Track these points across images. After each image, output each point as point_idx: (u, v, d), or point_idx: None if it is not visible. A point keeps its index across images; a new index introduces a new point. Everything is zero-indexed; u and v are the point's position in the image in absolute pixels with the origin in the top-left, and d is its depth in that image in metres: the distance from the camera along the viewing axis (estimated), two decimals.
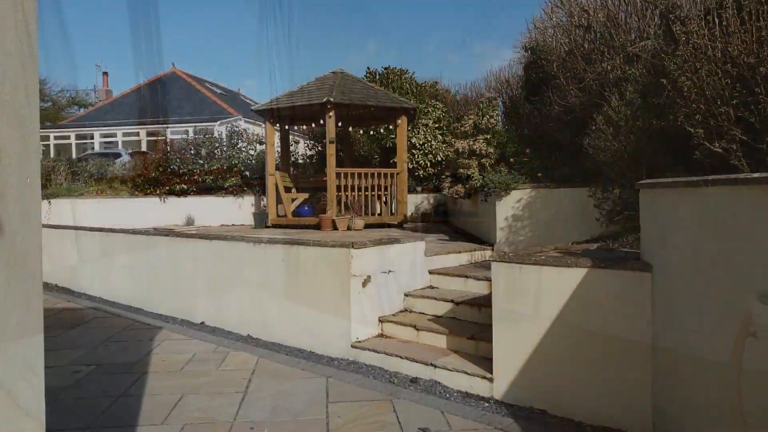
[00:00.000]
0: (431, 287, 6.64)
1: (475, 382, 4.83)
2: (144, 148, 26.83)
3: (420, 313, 6.21)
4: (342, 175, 12.25)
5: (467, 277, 6.34)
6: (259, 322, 6.87)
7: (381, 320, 6.07)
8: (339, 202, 12.32)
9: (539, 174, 8.10)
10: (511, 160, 9.17)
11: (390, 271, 6.22)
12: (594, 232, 6.29)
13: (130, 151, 23.05)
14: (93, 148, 29.46)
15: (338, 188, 12.27)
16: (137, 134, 29.75)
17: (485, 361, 4.97)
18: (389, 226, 12.68)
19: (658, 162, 5.48)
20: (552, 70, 9.73)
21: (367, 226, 12.24)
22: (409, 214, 15.81)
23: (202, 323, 7.74)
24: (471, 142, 9.35)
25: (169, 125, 28.57)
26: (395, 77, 17.11)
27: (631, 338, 3.87)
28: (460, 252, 7.15)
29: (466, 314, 5.78)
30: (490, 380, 4.73)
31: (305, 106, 12.22)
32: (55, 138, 30.85)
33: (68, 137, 30.91)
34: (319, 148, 17.15)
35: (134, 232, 9.13)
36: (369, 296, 5.96)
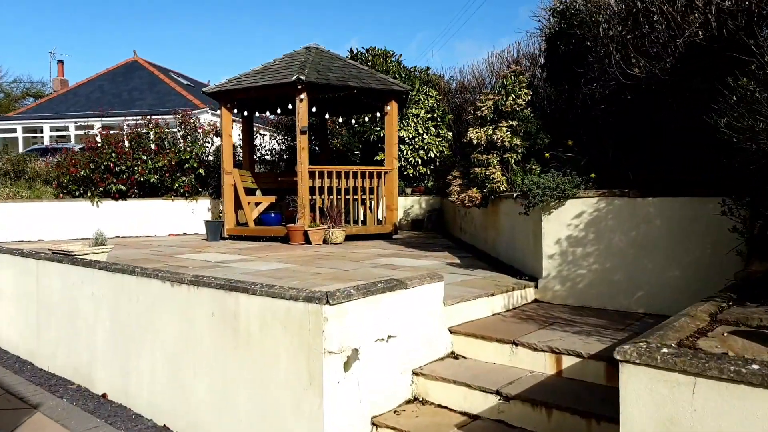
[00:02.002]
0: (455, 356, 4.17)
1: None
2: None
3: (439, 406, 3.74)
4: (317, 174, 9.72)
5: (515, 343, 3.88)
6: (180, 407, 4.33)
7: (375, 423, 3.57)
8: (313, 208, 9.80)
9: (592, 175, 5.68)
10: (546, 155, 6.73)
11: (390, 336, 3.73)
12: (721, 270, 3.89)
13: (83, 146, 20.22)
14: (42, 142, 26.47)
15: (312, 190, 9.75)
16: (92, 127, 26.75)
17: None
18: (376, 237, 10.19)
19: None
20: (596, 36, 7.36)
21: (349, 237, 9.74)
22: (398, 219, 13.34)
23: (104, 395, 5.16)
24: (490, 131, 6.90)
25: (127, 117, 25.68)
26: (379, 60, 14.60)
27: None
28: (491, 294, 4.68)
29: (525, 419, 3.32)
30: None
31: (270, 87, 9.66)
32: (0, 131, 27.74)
33: (14, 130, 27.80)
34: (290, 141, 14.56)
35: (23, 253, 6.50)
36: (355, 385, 3.46)
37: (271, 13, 74.21)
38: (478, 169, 6.89)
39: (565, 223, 5.01)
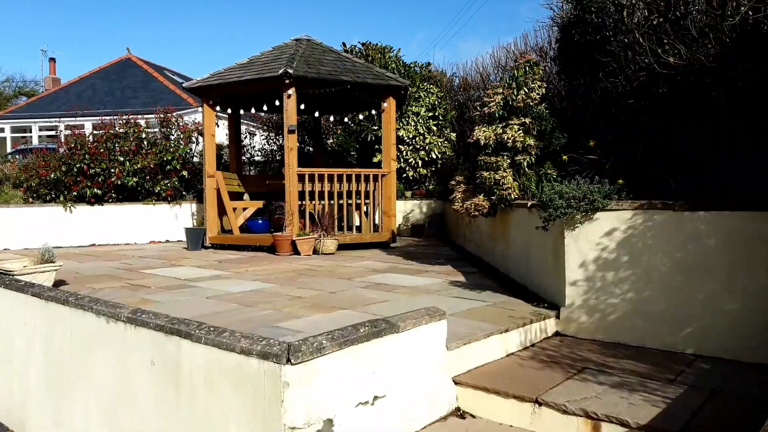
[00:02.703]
0: (461, 414, 3.28)
1: None
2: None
3: None
4: (307, 177, 8.85)
5: (538, 402, 3.00)
6: None
7: None
8: (303, 215, 8.93)
9: (620, 181, 4.79)
10: (564, 157, 5.85)
11: (376, 397, 2.85)
12: None
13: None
14: (31, 142, 25.64)
15: (302, 195, 8.87)
16: (82, 127, 25.91)
17: None
18: (372, 246, 9.32)
19: None
20: (618, 23, 6.52)
21: (342, 247, 8.87)
22: (397, 225, 12.46)
23: None
24: (499, 130, 6.01)
25: (117, 116, 24.86)
26: (377, 55, 13.73)
27: None
28: (505, 329, 3.79)
29: None
30: None
31: (255, 81, 8.78)
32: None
33: (2, 130, 26.98)
34: (282, 141, 13.68)
35: None
36: None
37: (269, 10, 73.31)
38: (485, 174, 6.01)
39: (593, 241, 4.12)
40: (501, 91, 6.20)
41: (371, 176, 9.37)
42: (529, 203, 5.28)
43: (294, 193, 8.71)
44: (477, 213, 6.15)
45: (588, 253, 4.14)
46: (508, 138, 5.80)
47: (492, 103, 6.09)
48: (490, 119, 6.25)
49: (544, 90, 6.13)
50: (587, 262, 4.14)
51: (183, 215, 11.34)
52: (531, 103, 5.97)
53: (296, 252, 8.43)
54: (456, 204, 6.52)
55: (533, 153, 6.00)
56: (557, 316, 4.30)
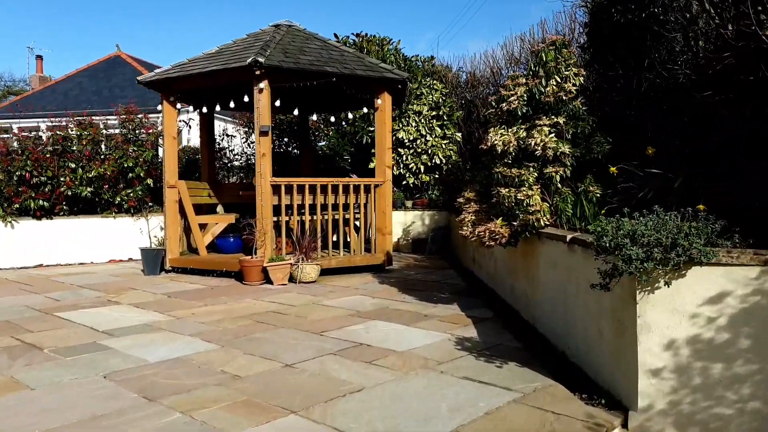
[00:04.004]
0: None
1: None
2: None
3: None
4: (284, 188, 7.33)
5: None
6: None
7: None
8: (280, 232, 7.43)
9: (700, 207, 3.24)
10: (612, 170, 4.30)
11: None
12: None
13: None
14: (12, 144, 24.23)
15: (278, 209, 7.35)
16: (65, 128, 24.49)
17: None
18: (364, 269, 7.79)
19: None
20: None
21: (328, 272, 7.37)
22: (395, 239, 10.92)
23: None
24: (522, 133, 4.47)
25: (108, 117, 23.44)
26: (374, 47, 12.21)
27: None
28: None
29: None
30: None
31: (220, 72, 7.26)
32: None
33: None
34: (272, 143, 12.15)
35: None
36: None
37: (268, 8, 71.77)
38: (503, 191, 4.47)
39: (687, 311, 2.58)
40: (524, 81, 4.66)
41: (362, 187, 7.84)
42: (568, 236, 3.73)
43: (267, 208, 7.18)
44: (493, 243, 4.61)
45: (678, 328, 2.59)
46: (535, 144, 4.25)
47: (512, 98, 4.54)
48: (509, 118, 4.71)
49: (581, 79, 4.58)
50: (677, 344, 2.60)
51: (149, 229, 9.82)
52: (565, 97, 4.43)
53: (268, 281, 6.91)
54: (465, 228, 4.98)
55: (569, 163, 4.45)
56: (624, 424, 2.75)
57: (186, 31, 67.65)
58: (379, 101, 7.83)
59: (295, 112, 7.91)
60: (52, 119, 10.09)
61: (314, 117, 8.58)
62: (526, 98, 4.57)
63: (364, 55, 8.42)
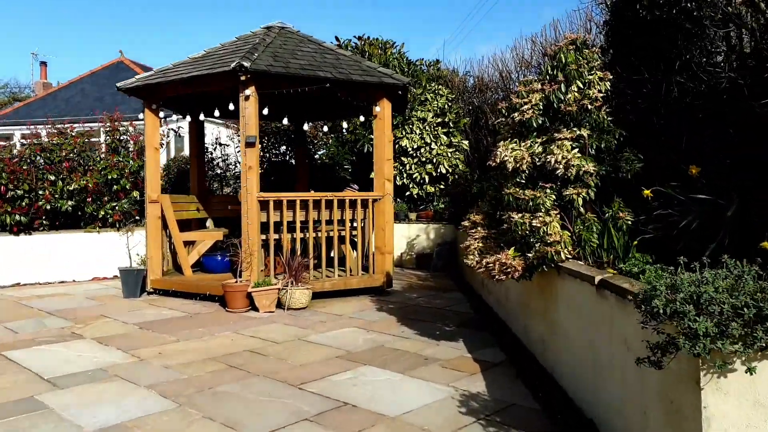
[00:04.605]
0: None
1: None
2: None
3: None
4: (273, 204, 6.68)
5: None
6: None
7: None
8: (270, 250, 6.78)
9: (765, 244, 2.55)
10: (647, 193, 3.60)
11: None
12: None
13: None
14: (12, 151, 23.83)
15: (266, 227, 6.70)
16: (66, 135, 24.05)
17: None
18: (361, 292, 7.12)
19: None
20: None
21: (321, 295, 6.71)
22: (398, 254, 10.25)
23: None
24: (538, 148, 3.79)
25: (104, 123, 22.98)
26: (376, 51, 11.56)
27: None
28: None
29: None
30: None
31: (202, 78, 6.63)
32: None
33: None
34: (268, 152, 11.53)
35: None
36: None
37: (273, 12, 71.33)
38: (516, 216, 3.78)
39: None
40: (539, 87, 3.97)
41: (359, 202, 7.17)
42: (597, 277, 3.04)
43: (253, 226, 6.53)
44: (503, 277, 3.92)
45: (763, 428, 1.89)
46: (556, 161, 3.56)
47: (526, 106, 3.86)
48: (522, 130, 4.02)
49: (608, 84, 3.89)
50: None
51: (136, 244, 9.19)
52: (590, 106, 3.73)
53: (251, 308, 6.25)
54: (470, 257, 4.29)
55: (592, 184, 3.76)
56: None
57: (193, 35, 67.42)
58: (377, 108, 7.16)
59: (285, 120, 7.28)
60: (30, 127, 9.46)
61: (306, 127, 7.92)
62: (542, 107, 3.88)
63: (361, 59, 7.76)
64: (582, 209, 3.79)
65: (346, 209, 7.12)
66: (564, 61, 3.87)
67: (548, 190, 3.74)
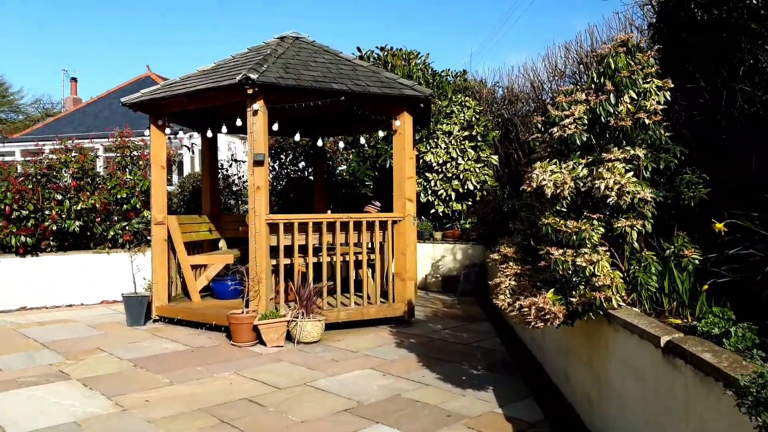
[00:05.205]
0: None
1: None
2: (101, 166, 21.12)
3: None
4: (283, 226, 6.14)
5: None
6: None
7: None
8: (279, 277, 6.24)
9: None
10: (719, 226, 2.93)
11: None
12: None
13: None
14: None
15: (275, 251, 6.17)
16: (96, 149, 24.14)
17: None
18: (380, 322, 6.53)
19: None
20: None
21: (334, 326, 6.15)
22: (422, 276, 9.64)
23: None
24: (582, 171, 3.16)
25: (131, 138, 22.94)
26: (399, 62, 11.03)
27: None
28: None
29: None
30: None
31: (208, 92, 6.16)
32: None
33: (13, 153, 25.45)
34: (286, 169, 11.05)
35: None
36: None
37: (297, 25, 71.64)
38: (556, 252, 3.15)
39: None
40: (583, 97, 3.34)
41: (377, 224, 6.59)
42: (663, 338, 2.39)
43: (262, 251, 5.99)
44: (541, 324, 3.28)
45: None
46: (607, 187, 2.93)
47: (568, 120, 3.23)
48: (562, 148, 3.39)
49: (668, 94, 3.23)
50: None
51: (147, 266, 8.77)
52: (647, 120, 3.09)
53: (258, 342, 5.71)
54: (501, 297, 3.66)
55: (649, 214, 3.10)
56: None
57: (221, 50, 68.12)
58: (397, 122, 6.59)
59: (297, 136, 6.75)
60: (38, 143, 9.14)
61: (320, 142, 7.36)
62: (586, 121, 3.25)
63: (380, 70, 7.21)
64: (636, 245, 3.13)
65: (363, 232, 6.55)
66: (613, 66, 3.23)
67: (595, 222, 3.10)
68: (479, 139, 10.11)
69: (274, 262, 6.27)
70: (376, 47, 11.36)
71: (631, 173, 3.08)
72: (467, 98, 10.49)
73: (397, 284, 6.66)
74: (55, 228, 8.09)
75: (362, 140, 7.62)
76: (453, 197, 10.00)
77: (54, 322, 7.15)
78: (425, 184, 10.05)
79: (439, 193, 10.02)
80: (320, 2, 63.42)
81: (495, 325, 6.54)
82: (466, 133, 10.04)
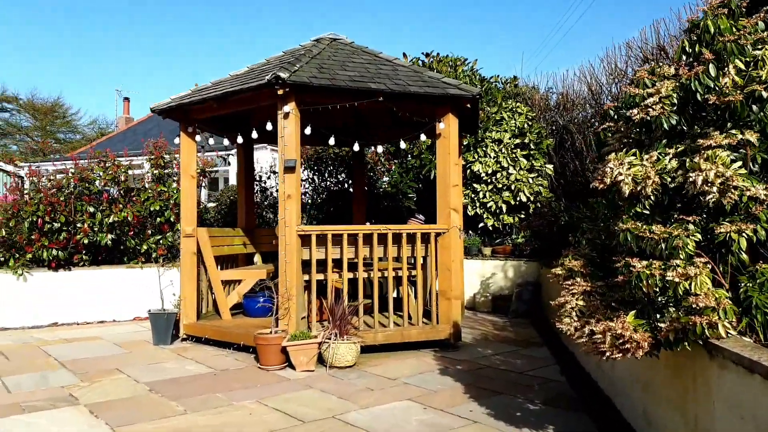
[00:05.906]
0: None
1: None
2: (139, 179, 21.41)
3: None
4: (315, 239, 5.62)
5: None
6: None
7: None
8: (311, 294, 5.71)
9: None
10: None
11: None
12: None
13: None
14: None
15: (307, 265, 5.65)
16: (141, 167, 24.50)
17: None
18: (421, 345, 5.90)
19: None
20: None
21: (371, 349, 5.56)
22: (470, 295, 8.96)
23: None
24: (671, 162, 2.49)
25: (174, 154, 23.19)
26: (445, 68, 10.49)
27: None
28: None
29: None
30: None
31: (235, 95, 5.75)
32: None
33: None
34: (326, 177, 10.61)
35: None
36: None
37: (353, 33, 72.00)
38: (638, 265, 2.48)
39: None
40: (672, 72, 2.68)
41: (419, 236, 5.98)
42: None
43: (292, 265, 5.48)
44: (619, 355, 2.60)
45: None
46: (705, 180, 2.26)
47: (652, 99, 2.58)
48: (641, 137, 2.74)
49: None
50: None
51: (161, 287, 8.41)
52: (763, 93, 2.41)
53: (287, 365, 5.17)
54: (566, 320, 2.99)
55: (764, 217, 2.40)
56: None
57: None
58: (441, 125, 6.00)
59: (331, 141, 6.22)
60: (89, 161, 8.97)
61: (356, 147, 6.83)
62: (675, 100, 2.59)
63: (423, 69, 6.66)
64: (744, 256, 2.44)
65: (403, 245, 5.95)
66: (713, 30, 2.56)
67: (691, 226, 2.42)
68: (532, 147, 9.41)
69: (306, 277, 5.76)
70: (422, 53, 10.87)
71: (738, 163, 2.39)
72: (518, 104, 9.83)
73: (441, 303, 6.02)
74: (86, 241, 7.84)
75: (404, 147, 7.08)
76: (504, 210, 9.31)
77: (81, 339, 6.83)
78: (473, 195, 9.41)
79: (488, 205, 9.35)
80: (370, 9, 63.53)
81: (552, 351, 5.81)
82: (518, 141, 9.37)
